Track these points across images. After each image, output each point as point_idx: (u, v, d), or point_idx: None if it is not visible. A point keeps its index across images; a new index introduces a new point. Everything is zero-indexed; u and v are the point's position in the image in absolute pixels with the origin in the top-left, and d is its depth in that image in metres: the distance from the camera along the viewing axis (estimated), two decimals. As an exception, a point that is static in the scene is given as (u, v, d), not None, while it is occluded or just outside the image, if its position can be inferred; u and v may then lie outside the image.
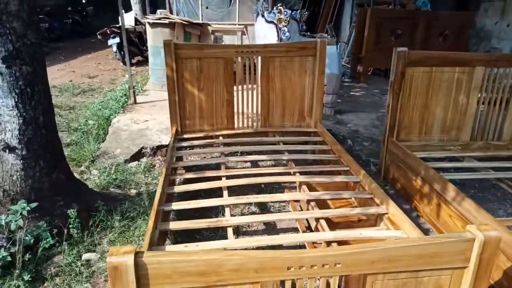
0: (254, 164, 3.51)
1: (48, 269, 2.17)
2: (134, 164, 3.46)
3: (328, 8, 9.44)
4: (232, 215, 2.22)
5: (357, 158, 3.74)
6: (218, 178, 2.55)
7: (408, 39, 6.05)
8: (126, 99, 5.06)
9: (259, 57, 3.31)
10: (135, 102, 4.86)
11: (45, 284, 2.08)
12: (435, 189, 2.51)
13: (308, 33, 6.99)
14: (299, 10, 6.76)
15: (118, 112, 4.59)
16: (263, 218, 2.29)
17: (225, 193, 2.36)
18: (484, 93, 3.18)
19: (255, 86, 3.37)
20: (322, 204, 2.39)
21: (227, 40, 7.71)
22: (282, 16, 4.47)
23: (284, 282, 1.36)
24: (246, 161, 3.45)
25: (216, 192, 2.74)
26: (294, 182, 2.67)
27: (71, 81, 6.63)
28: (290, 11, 4.82)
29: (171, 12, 8.42)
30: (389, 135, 3.22)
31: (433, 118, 3.23)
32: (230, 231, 2.00)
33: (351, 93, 5.75)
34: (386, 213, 2.12)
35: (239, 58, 3.39)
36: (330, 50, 4.37)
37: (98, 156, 3.49)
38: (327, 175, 2.68)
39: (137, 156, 3.56)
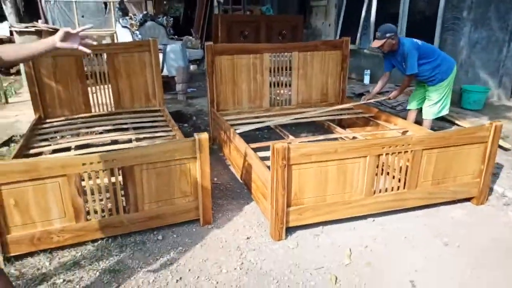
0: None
1: None
2: (4, 149, 4.11)
3: (200, 14, 10.63)
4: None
5: (198, 129, 4.88)
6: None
7: (254, 38, 7.45)
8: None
9: (104, 54, 4.24)
10: (6, 103, 5.38)
11: None
12: (228, 136, 3.71)
13: (176, 36, 8.07)
14: (165, 17, 7.78)
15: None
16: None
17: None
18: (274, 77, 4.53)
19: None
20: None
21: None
22: (133, 22, 5.42)
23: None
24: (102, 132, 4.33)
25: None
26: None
27: None
28: (140, 17, 5.78)
29: (46, 22, 8.79)
30: (211, 107, 4.39)
31: (241, 92, 4.48)
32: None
33: (209, 83, 6.92)
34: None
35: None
36: (175, 48, 5.45)
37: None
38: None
39: (8, 142, 4.21)
